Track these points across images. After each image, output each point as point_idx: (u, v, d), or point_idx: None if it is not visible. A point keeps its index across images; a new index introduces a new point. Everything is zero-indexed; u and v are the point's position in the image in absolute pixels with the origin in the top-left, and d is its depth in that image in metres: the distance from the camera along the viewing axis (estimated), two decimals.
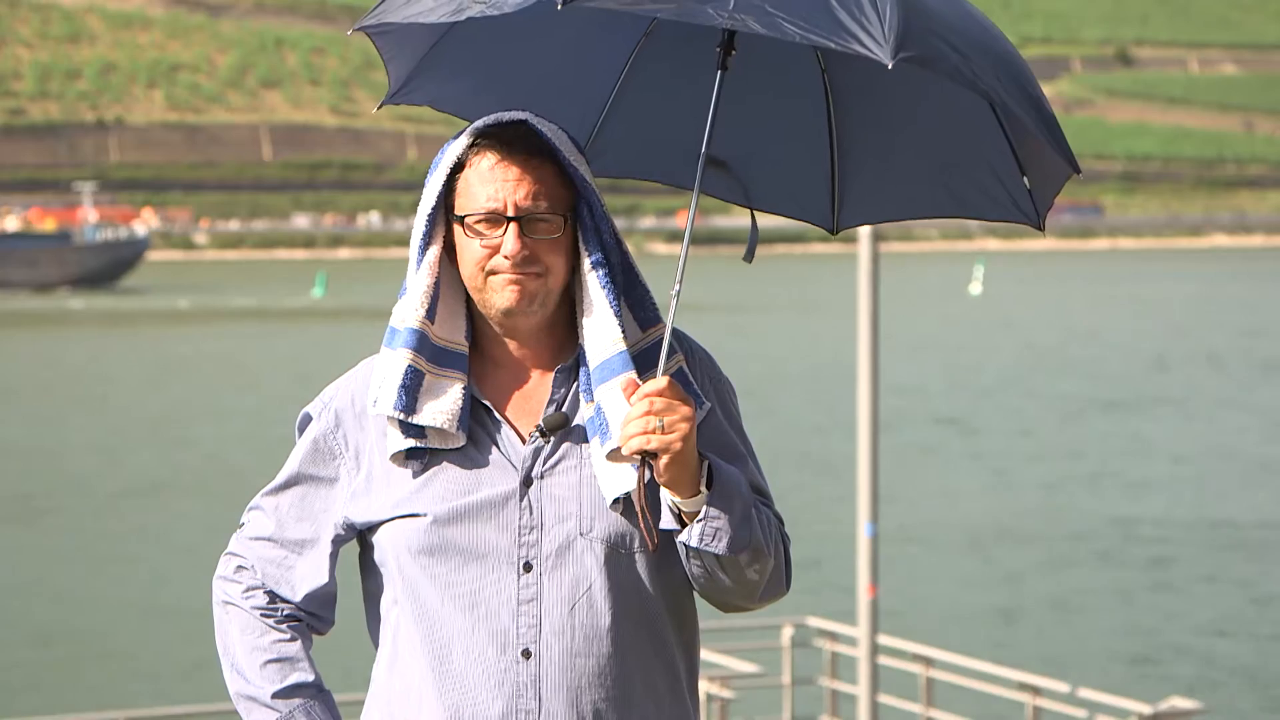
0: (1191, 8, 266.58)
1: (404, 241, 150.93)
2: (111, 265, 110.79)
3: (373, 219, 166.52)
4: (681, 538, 3.23)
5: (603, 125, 3.65)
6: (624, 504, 3.27)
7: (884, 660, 13.42)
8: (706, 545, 3.21)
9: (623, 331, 3.30)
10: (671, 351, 3.32)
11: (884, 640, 13.03)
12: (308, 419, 3.43)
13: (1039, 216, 3.54)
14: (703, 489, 3.21)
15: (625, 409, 3.23)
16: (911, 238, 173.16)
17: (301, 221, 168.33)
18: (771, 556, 3.28)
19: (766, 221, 3.67)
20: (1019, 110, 3.27)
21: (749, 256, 3.66)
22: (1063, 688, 12.75)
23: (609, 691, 3.27)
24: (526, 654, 3.25)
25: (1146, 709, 12.40)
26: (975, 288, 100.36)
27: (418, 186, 3.47)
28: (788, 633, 14.05)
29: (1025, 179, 3.50)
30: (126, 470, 36.15)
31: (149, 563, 27.31)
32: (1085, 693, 12.57)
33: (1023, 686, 12.99)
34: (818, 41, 3.07)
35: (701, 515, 3.21)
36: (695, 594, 3.37)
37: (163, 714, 13.48)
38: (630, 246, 3.39)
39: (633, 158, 3.69)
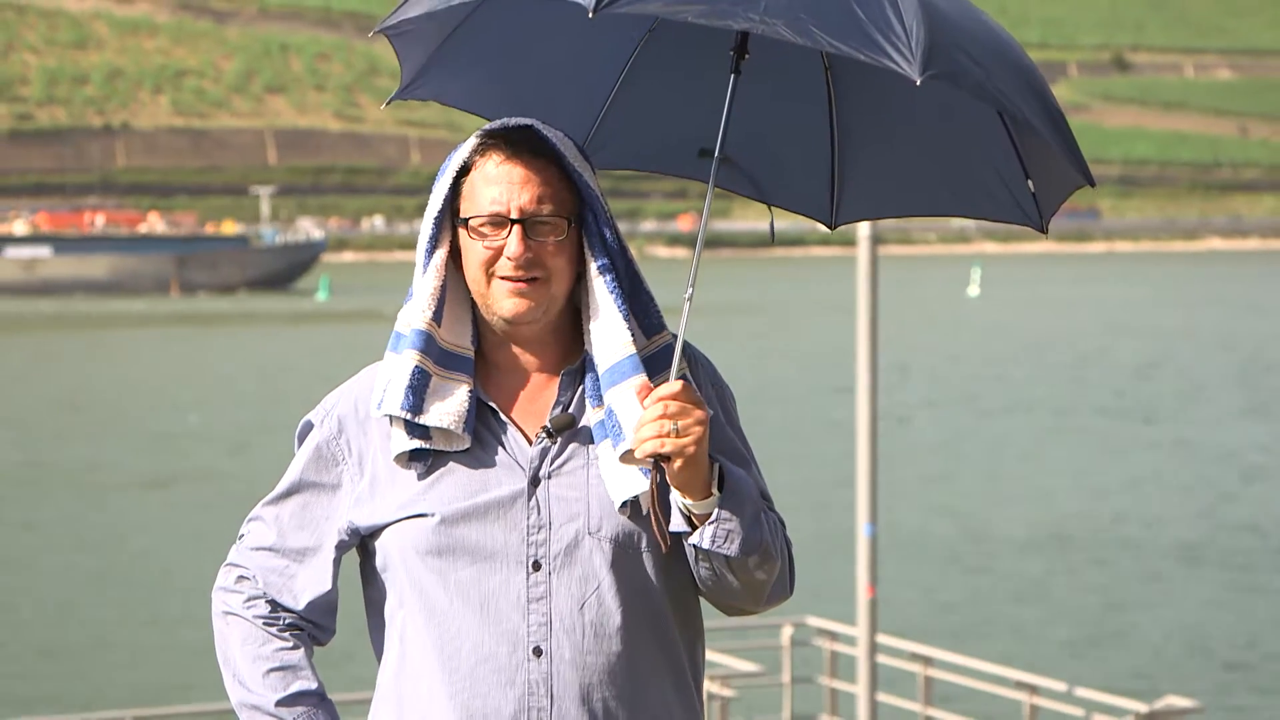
0: (1187, 13, 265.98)
1: (408, 245, 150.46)
2: (289, 268, 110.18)
3: (376, 223, 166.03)
4: (693, 540, 3.23)
5: (603, 119, 3.64)
6: (631, 506, 3.27)
7: (883, 659, 13.45)
8: (718, 547, 3.21)
9: (632, 335, 3.30)
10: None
11: (883, 639, 13.07)
12: (309, 426, 3.41)
13: (1042, 219, 3.52)
14: (714, 491, 3.21)
15: (637, 412, 3.22)
16: (910, 240, 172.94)
17: (306, 225, 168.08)
18: (779, 558, 3.29)
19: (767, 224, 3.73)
20: (1038, 123, 3.26)
21: (771, 239, 3.72)
22: (1060, 686, 12.76)
23: (620, 689, 3.27)
24: (538, 651, 3.25)
25: (1143, 708, 12.39)
26: (973, 290, 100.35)
27: (421, 191, 3.48)
28: (787, 632, 14.06)
29: (1030, 182, 3.49)
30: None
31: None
32: (1083, 691, 12.56)
33: (1020, 685, 12.99)
34: (847, 53, 3.05)
35: (713, 518, 3.21)
36: (700, 597, 3.37)
37: (163, 714, 13.42)
38: (632, 250, 3.38)
39: (632, 149, 3.68)
